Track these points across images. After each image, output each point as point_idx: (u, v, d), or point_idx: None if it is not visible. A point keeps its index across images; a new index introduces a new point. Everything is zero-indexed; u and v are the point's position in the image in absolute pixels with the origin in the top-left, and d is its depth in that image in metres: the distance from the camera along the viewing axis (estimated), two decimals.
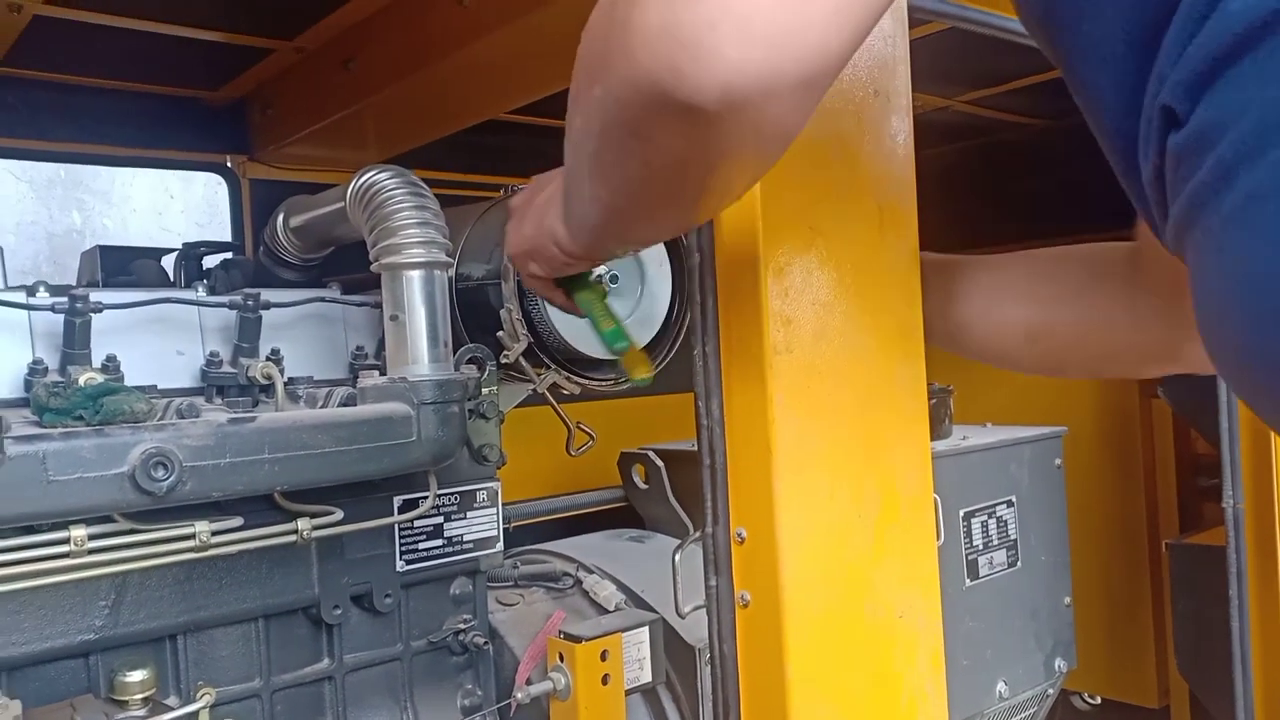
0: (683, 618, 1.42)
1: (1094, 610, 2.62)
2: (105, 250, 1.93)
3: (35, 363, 1.44)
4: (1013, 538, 2.19)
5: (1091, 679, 2.70)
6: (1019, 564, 2.19)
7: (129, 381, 1.46)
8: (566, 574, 1.97)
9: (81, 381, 1.36)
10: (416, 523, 1.67)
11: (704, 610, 1.25)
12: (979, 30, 1.62)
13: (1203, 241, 0.56)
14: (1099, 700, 2.83)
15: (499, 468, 1.80)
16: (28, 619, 1.36)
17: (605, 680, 1.60)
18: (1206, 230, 0.55)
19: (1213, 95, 0.52)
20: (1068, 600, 2.30)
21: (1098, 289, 1.05)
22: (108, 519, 1.32)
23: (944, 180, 2.52)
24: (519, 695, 1.61)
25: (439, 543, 1.71)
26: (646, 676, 1.68)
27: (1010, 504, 2.19)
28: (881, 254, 1.24)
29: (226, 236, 2.68)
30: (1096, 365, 1.15)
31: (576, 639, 1.59)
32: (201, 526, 1.33)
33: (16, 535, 1.26)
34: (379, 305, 1.66)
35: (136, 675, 1.37)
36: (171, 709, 1.38)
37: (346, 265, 1.96)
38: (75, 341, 1.44)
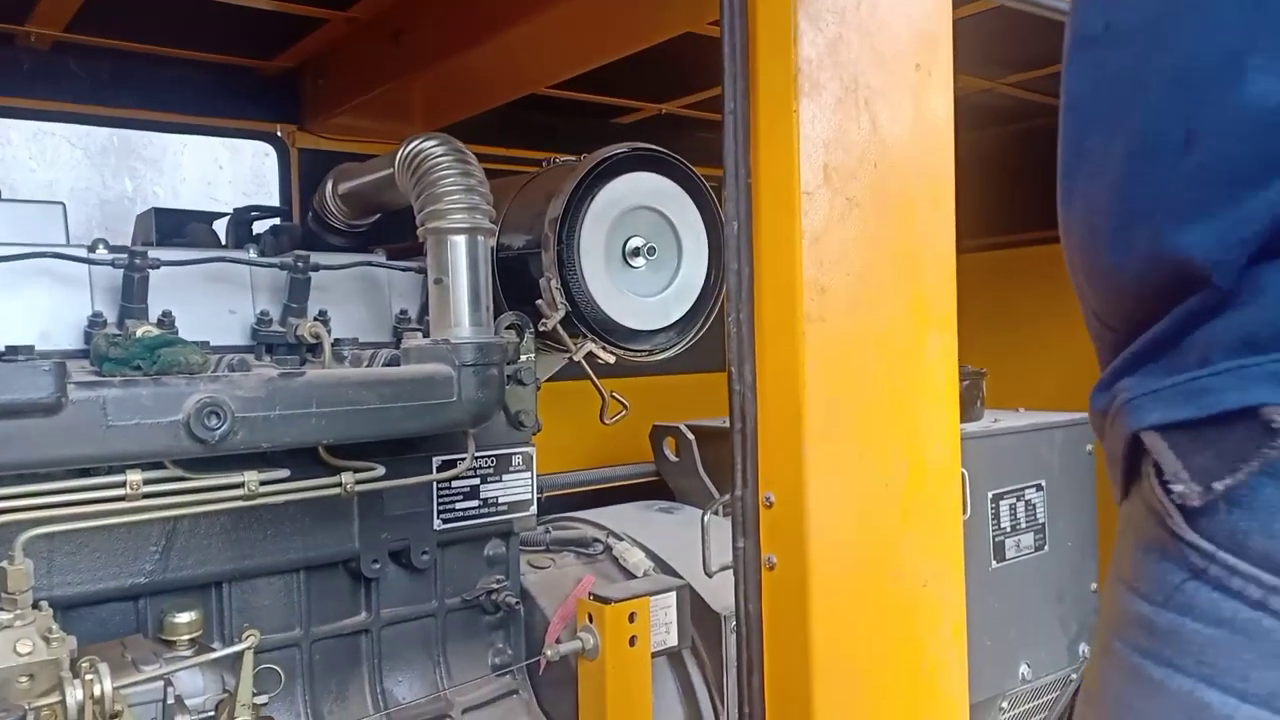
0: (710, 577, 1.45)
1: None
2: (160, 213, 2.00)
3: (95, 315, 1.50)
4: (1041, 521, 2.19)
5: None
6: (1046, 548, 2.20)
7: (183, 337, 1.51)
8: (597, 540, 2.01)
9: (139, 334, 1.42)
10: (454, 483, 1.72)
11: (730, 572, 1.28)
12: (1025, 9, 1.63)
13: None
14: None
15: (534, 434, 1.84)
16: (83, 560, 1.42)
17: (632, 642, 1.64)
18: None
19: None
20: (1095, 586, 2.30)
21: None
22: (160, 466, 1.37)
23: (987, 164, 2.51)
24: (548, 653, 1.65)
25: (475, 503, 1.76)
26: (673, 640, 1.71)
27: (1040, 488, 2.19)
28: (917, 229, 1.26)
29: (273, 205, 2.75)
30: None
31: (606, 601, 1.63)
32: (250, 475, 1.39)
33: (75, 478, 1.33)
34: (422, 271, 1.70)
35: (185, 617, 1.43)
36: (216, 650, 1.44)
37: (390, 234, 2.01)
38: (133, 296, 1.50)
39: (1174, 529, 0.54)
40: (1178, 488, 0.54)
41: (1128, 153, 0.58)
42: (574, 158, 1.86)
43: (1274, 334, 0.50)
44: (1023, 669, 2.13)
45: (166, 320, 1.51)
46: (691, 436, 2.22)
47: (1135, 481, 0.59)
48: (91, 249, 1.54)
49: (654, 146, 1.84)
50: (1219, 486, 0.52)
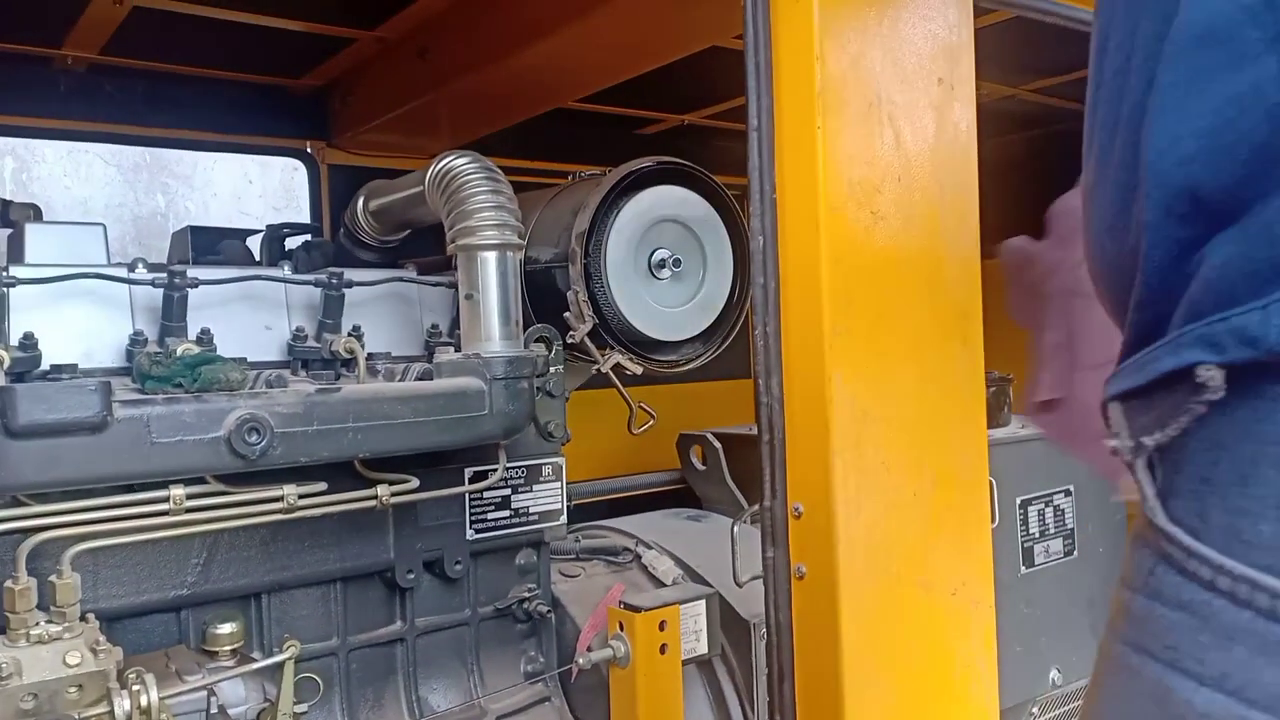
0: (740, 586, 1.47)
1: None
2: (195, 230, 2.04)
3: (136, 334, 1.54)
4: (1070, 527, 2.19)
5: None
6: (1075, 553, 2.20)
7: (221, 354, 1.55)
8: (626, 549, 2.03)
9: (180, 352, 1.45)
10: (485, 494, 1.75)
11: (760, 582, 1.29)
12: (1045, 19, 1.64)
13: None
14: None
15: (563, 444, 1.87)
16: (127, 574, 1.46)
17: (663, 650, 1.65)
18: None
19: None
20: None
21: None
22: (201, 481, 1.41)
23: (1010, 169, 2.51)
24: (580, 661, 1.67)
25: (506, 514, 1.78)
26: (703, 648, 1.73)
27: (1068, 493, 2.19)
28: (942, 240, 1.27)
29: (302, 220, 2.79)
30: None
31: (636, 609, 1.65)
32: (290, 489, 1.42)
33: (120, 493, 1.36)
34: (453, 285, 1.73)
35: (226, 628, 1.46)
36: (257, 661, 1.47)
37: (420, 248, 2.04)
38: (173, 314, 1.54)
39: (1150, 514, 0.55)
40: (1112, 443, 0.57)
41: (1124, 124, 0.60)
42: (599, 171, 1.89)
43: (1214, 301, 0.52)
44: (1053, 674, 2.13)
45: (205, 337, 1.55)
46: (718, 444, 2.23)
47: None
48: (131, 268, 1.58)
49: (678, 160, 1.86)
50: (1148, 441, 0.54)
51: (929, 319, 1.26)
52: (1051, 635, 2.13)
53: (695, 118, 3.05)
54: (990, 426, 1.76)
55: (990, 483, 1.36)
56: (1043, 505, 2.14)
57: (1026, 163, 2.99)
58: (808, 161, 1.17)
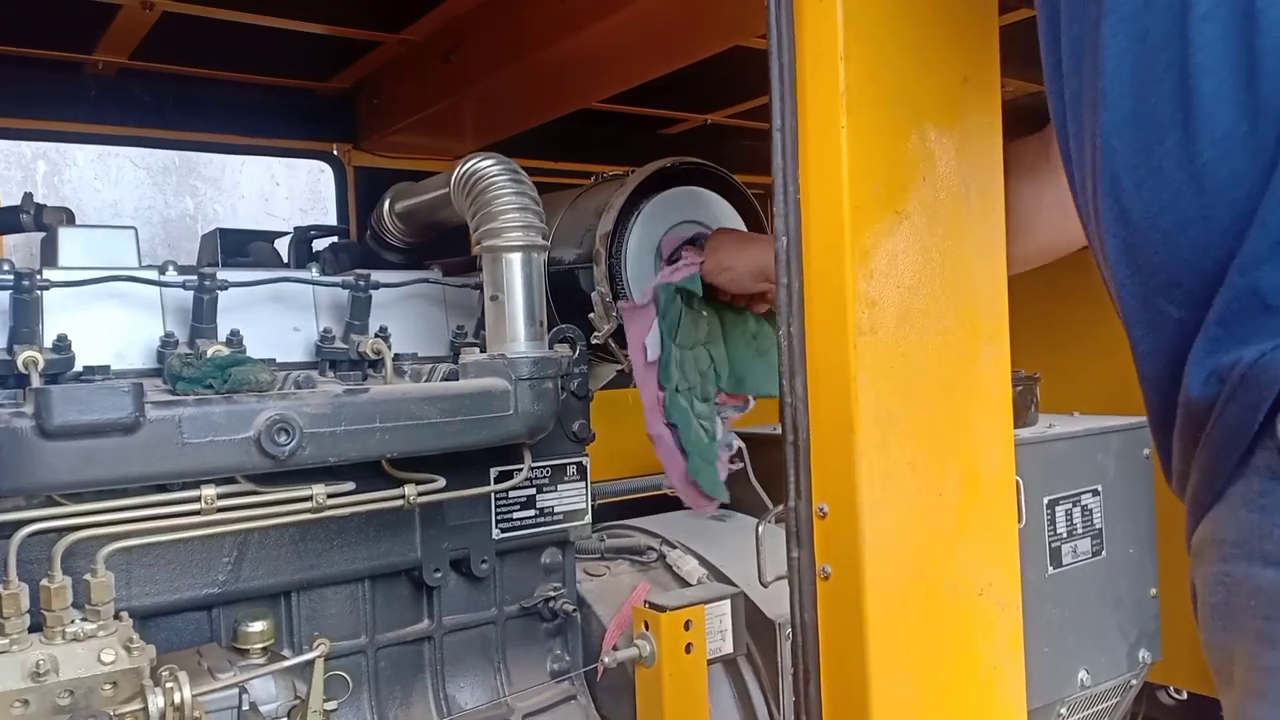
0: (765, 586, 1.47)
1: (1183, 603, 2.57)
2: (224, 233, 2.07)
3: (167, 336, 1.56)
4: (1097, 527, 2.17)
5: (1178, 672, 2.65)
6: (1104, 553, 2.18)
7: (250, 355, 1.57)
8: (651, 548, 2.04)
9: (210, 353, 1.47)
10: (511, 493, 1.76)
11: (785, 581, 1.29)
12: None
13: None
14: (1185, 695, 2.78)
15: (588, 444, 1.87)
16: (160, 572, 1.48)
17: (688, 649, 1.66)
18: None
19: None
20: (1153, 591, 2.27)
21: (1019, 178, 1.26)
22: (232, 481, 1.43)
23: None
24: (606, 660, 1.68)
25: (531, 513, 1.79)
26: (728, 647, 1.73)
27: (1096, 493, 2.17)
28: (967, 239, 1.26)
29: (328, 221, 2.82)
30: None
31: (661, 608, 1.66)
32: (318, 489, 1.44)
33: (152, 493, 1.38)
34: (478, 287, 1.74)
35: (257, 626, 1.48)
36: (288, 659, 1.49)
37: (446, 250, 2.06)
38: (203, 316, 1.56)
39: None
40: None
41: None
42: (622, 171, 1.89)
43: None
44: (1081, 675, 2.11)
45: (235, 339, 1.57)
46: (742, 444, 2.23)
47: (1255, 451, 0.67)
48: (162, 271, 1.60)
49: (700, 160, 1.86)
50: None
51: (955, 320, 1.26)
52: (1079, 636, 2.11)
53: (718, 117, 3.05)
54: (1017, 426, 1.75)
55: (1017, 482, 1.35)
56: (1070, 505, 2.12)
57: None
58: (832, 161, 1.16)
